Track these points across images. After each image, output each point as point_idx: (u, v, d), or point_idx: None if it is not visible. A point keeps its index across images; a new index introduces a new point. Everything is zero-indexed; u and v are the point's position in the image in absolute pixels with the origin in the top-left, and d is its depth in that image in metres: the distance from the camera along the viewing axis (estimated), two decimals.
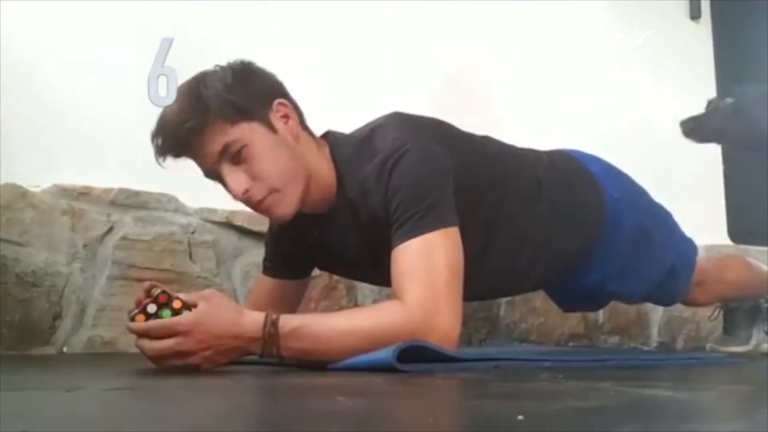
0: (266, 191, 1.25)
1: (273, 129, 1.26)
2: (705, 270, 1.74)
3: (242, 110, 1.23)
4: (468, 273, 1.22)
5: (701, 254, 1.78)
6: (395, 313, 1.15)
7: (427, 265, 1.16)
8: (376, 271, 1.36)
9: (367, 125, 1.38)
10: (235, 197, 1.27)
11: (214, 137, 1.22)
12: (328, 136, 1.37)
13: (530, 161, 1.49)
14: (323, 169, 1.31)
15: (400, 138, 1.25)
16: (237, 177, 1.24)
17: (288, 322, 1.11)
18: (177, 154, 1.25)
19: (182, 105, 1.23)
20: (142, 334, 1.08)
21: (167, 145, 1.23)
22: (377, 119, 1.38)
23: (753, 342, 1.98)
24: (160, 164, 1.24)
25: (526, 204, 1.43)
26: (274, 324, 1.09)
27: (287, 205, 1.27)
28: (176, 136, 1.22)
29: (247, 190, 1.24)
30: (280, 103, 1.28)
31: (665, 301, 1.88)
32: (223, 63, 1.29)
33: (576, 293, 1.67)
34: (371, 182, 1.24)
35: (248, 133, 1.23)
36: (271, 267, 1.52)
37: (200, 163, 1.27)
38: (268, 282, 1.52)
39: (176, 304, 1.08)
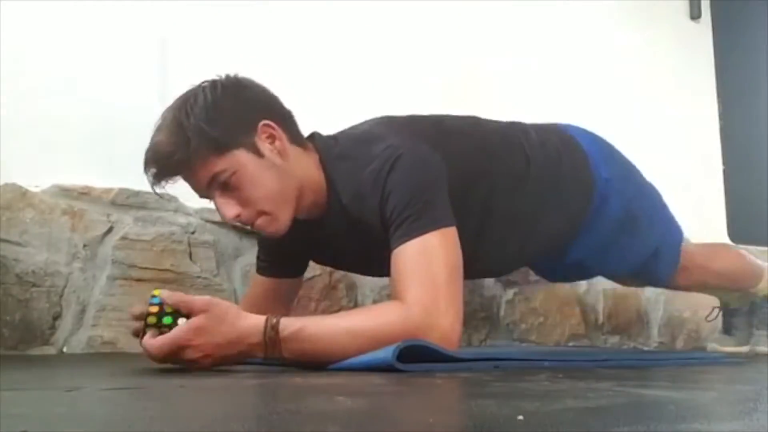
0: (256, 215, 1.27)
1: (259, 153, 1.26)
2: (692, 255, 1.74)
3: (225, 143, 1.23)
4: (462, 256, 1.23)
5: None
6: (395, 313, 1.15)
7: (426, 266, 1.17)
8: (371, 269, 1.40)
9: (354, 129, 1.38)
10: (226, 222, 1.28)
11: (202, 168, 1.24)
12: (314, 139, 1.36)
13: (518, 138, 1.49)
14: (313, 176, 1.31)
15: (393, 144, 1.26)
16: (227, 203, 1.26)
17: (288, 325, 1.11)
18: (171, 178, 1.27)
19: (168, 136, 1.23)
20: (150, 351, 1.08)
21: (161, 175, 1.25)
22: (365, 123, 1.39)
23: (752, 342, 1.98)
24: (155, 192, 1.27)
25: (515, 184, 1.44)
26: (274, 328, 1.09)
27: (280, 224, 1.29)
28: (167, 166, 1.24)
29: (237, 215, 1.26)
30: (265, 125, 1.27)
31: (651, 282, 1.89)
32: (215, 76, 1.28)
33: (558, 269, 1.72)
34: (367, 189, 1.25)
35: (234, 161, 1.24)
36: (265, 266, 1.52)
37: (193, 187, 1.29)
38: (263, 282, 1.52)
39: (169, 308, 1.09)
